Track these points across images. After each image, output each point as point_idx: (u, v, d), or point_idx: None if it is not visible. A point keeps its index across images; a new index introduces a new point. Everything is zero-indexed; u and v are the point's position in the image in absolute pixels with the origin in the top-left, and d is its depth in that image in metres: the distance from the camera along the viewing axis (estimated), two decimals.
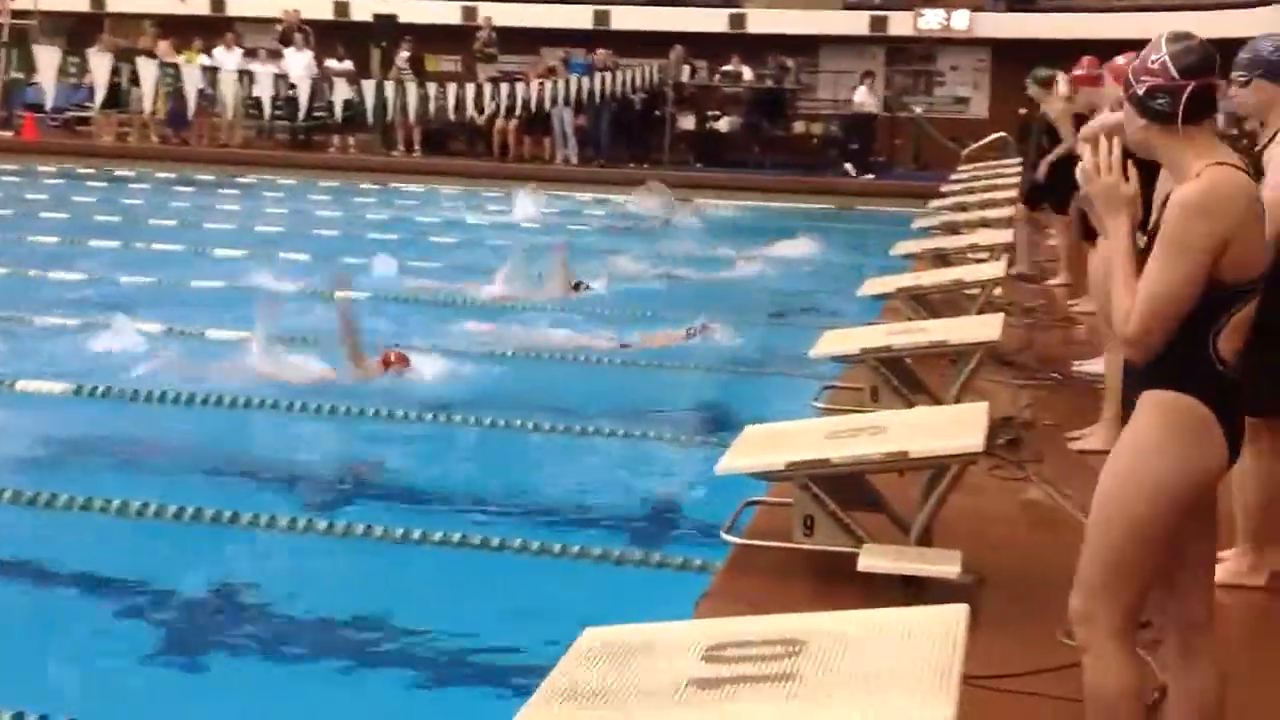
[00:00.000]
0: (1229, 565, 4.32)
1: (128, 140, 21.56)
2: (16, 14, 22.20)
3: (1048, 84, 9.98)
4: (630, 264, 12.19)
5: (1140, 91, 2.86)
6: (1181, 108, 2.81)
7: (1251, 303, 2.85)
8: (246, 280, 11.05)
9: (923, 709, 2.45)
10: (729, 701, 2.57)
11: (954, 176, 15.62)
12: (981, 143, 17.35)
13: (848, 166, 20.41)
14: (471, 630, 4.54)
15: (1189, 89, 2.80)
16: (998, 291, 8.49)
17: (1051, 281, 10.59)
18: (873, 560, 4.17)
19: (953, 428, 4.45)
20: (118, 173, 19.06)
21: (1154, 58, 2.85)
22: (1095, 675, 2.94)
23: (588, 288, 10.66)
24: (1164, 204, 2.89)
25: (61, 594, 4.87)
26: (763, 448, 4.60)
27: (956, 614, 2.86)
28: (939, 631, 2.78)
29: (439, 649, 4.49)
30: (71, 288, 10.56)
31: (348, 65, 21.29)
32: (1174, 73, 2.81)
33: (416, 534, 5.25)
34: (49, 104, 20.85)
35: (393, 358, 7.61)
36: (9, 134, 21.70)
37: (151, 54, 20.72)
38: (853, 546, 4.28)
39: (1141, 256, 2.87)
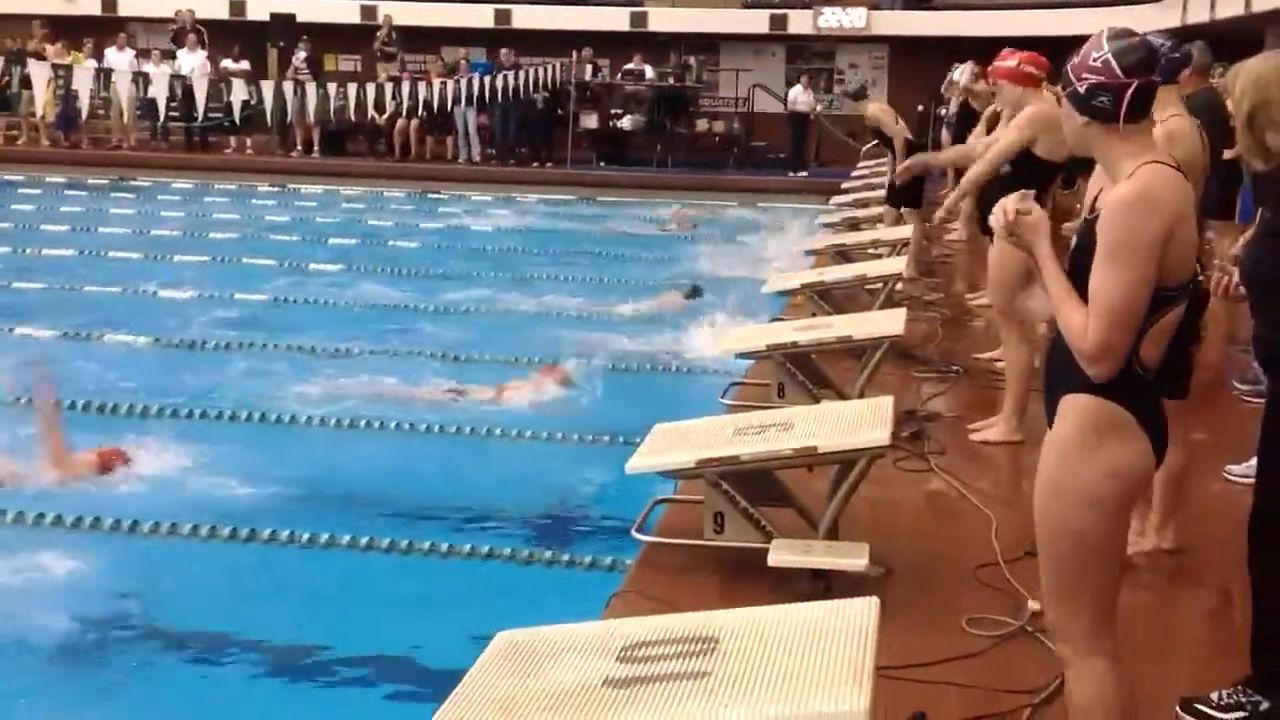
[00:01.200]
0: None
1: (17, 143, 20.99)
2: None
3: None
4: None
5: (1081, 89, 2.76)
6: (1124, 106, 2.73)
7: (1178, 308, 2.78)
8: (143, 285, 10.87)
9: (838, 704, 2.48)
10: (645, 702, 2.57)
11: (854, 173, 15.78)
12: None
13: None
14: (384, 634, 4.50)
15: (1132, 87, 2.73)
16: (899, 286, 8.60)
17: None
18: (782, 555, 4.20)
19: (860, 422, 4.50)
20: (6, 176, 18.55)
21: (1095, 55, 2.75)
22: (1075, 686, 2.88)
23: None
24: (1094, 203, 2.84)
25: None
26: (672, 445, 4.61)
27: (867, 607, 2.89)
28: (850, 626, 2.80)
29: (351, 654, 4.44)
30: None
31: (244, 65, 20.93)
32: (1117, 70, 2.72)
33: (324, 538, 5.19)
34: None
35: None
36: None
37: (41, 55, 20.23)
38: (763, 542, 4.31)
39: (1074, 257, 2.81)
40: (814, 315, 7.52)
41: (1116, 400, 2.77)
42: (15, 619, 4.47)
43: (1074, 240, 2.91)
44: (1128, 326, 2.70)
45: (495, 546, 5.11)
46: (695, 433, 4.74)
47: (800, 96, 21.17)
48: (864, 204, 12.64)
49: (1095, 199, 2.87)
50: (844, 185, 14.69)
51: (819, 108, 21.59)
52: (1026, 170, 5.70)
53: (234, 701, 4.22)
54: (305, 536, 5.18)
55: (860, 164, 16.68)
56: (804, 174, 20.29)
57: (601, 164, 20.96)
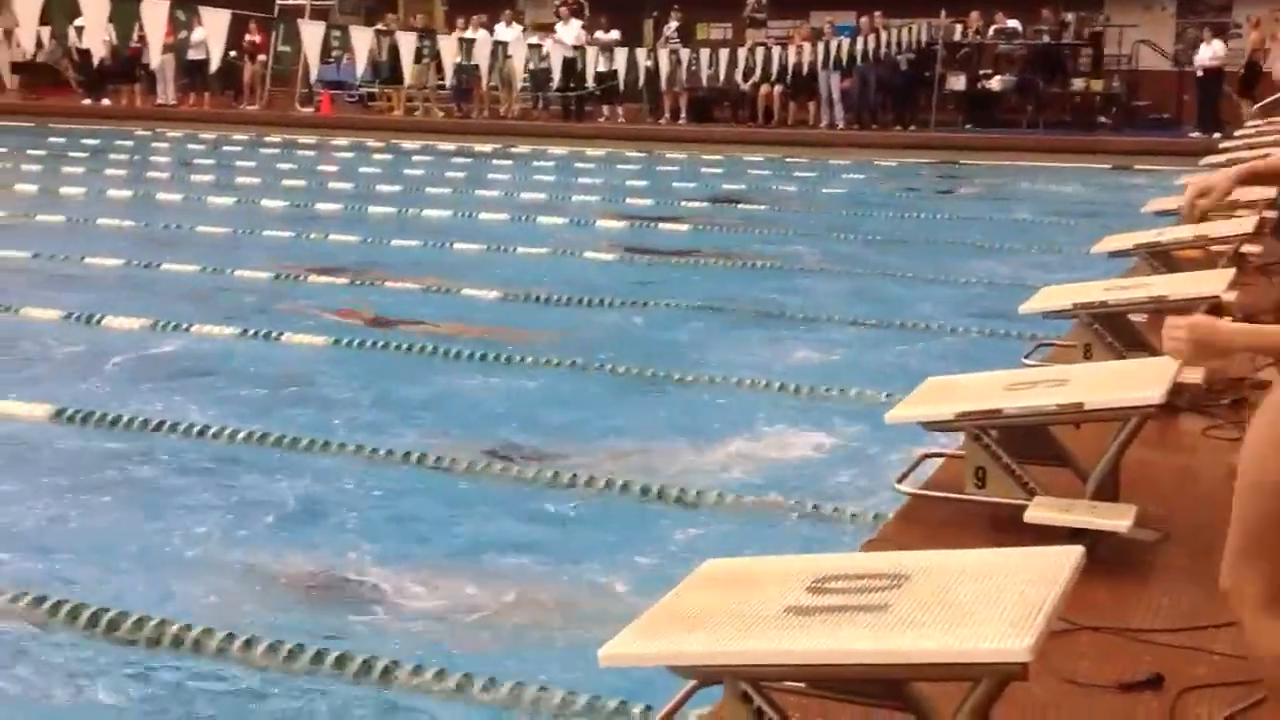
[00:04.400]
0: None
1: (414, 115, 22.76)
2: None
3: None
4: None
5: None
6: None
7: None
8: (506, 244, 11.64)
9: (999, 641, 2.46)
10: (814, 626, 2.64)
11: (1238, 133, 14.70)
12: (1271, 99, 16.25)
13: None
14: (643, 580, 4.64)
15: None
16: (1256, 249, 8.01)
17: None
18: (1039, 512, 4.09)
19: (1135, 381, 4.30)
20: (404, 146, 20.14)
21: None
22: (1252, 650, 2.78)
23: None
24: None
25: None
26: (938, 398, 4.56)
27: (1067, 555, 2.83)
28: (1044, 571, 2.76)
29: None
30: (347, 250, 11.33)
31: (614, 35, 21.72)
32: None
33: (566, 477, 5.49)
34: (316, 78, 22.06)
35: None
36: (309, 110, 23.27)
37: (440, 31, 21.79)
38: (1024, 499, 4.21)
39: None
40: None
41: None
42: None
43: None
44: None
45: (760, 496, 5.23)
46: (964, 386, 4.67)
47: (1219, 50, 19.57)
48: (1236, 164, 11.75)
49: None
50: (1222, 145, 13.70)
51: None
52: None
53: None
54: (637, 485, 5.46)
55: (1248, 123, 15.52)
56: (1217, 136, 18.90)
57: (968, 126, 20.45)
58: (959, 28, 21.34)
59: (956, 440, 4.60)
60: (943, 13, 20.83)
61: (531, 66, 20.29)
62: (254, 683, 3.88)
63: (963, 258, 11.34)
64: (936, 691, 2.73)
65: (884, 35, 20.43)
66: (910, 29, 20.76)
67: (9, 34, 21.30)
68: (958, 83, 21.01)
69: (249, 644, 4.02)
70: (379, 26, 18.69)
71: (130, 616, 4.18)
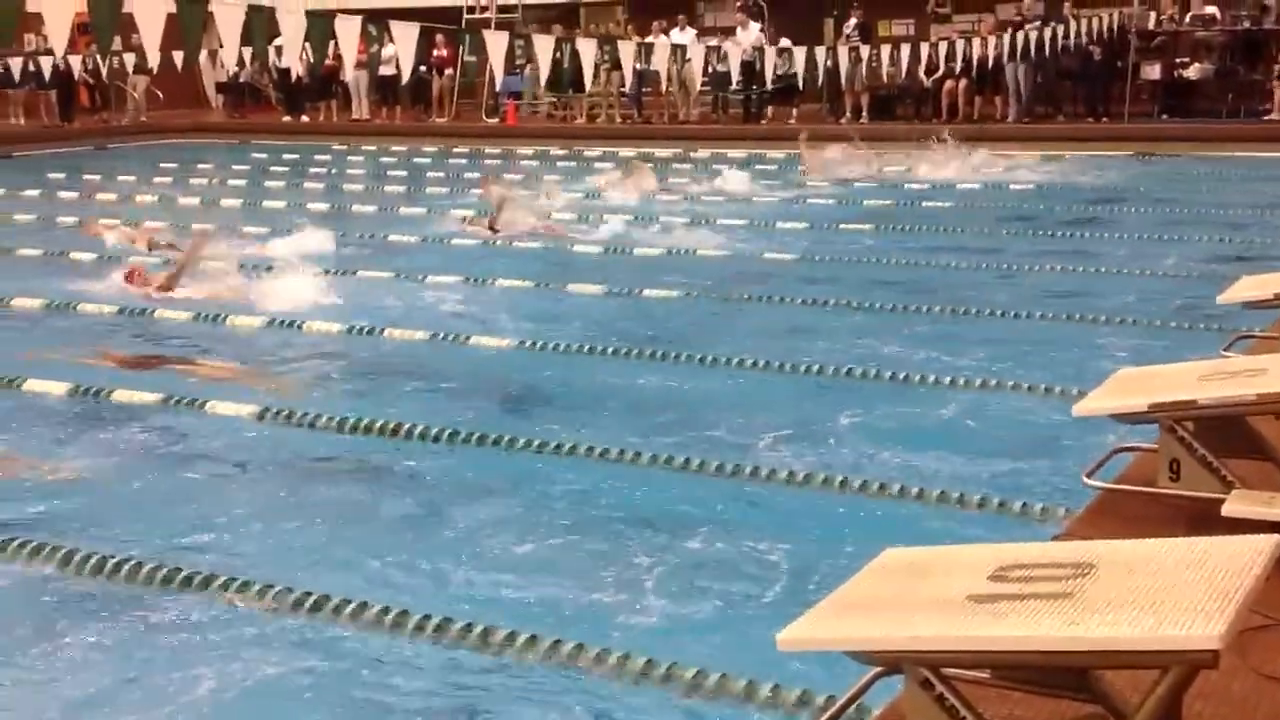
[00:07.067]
0: None
1: (596, 121, 23.07)
2: (502, 8, 24.33)
3: None
4: None
5: None
6: None
7: None
8: (683, 246, 11.75)
9: (1190, 628, 2.40)
10: (995, 613, 2.61)
11: None
12: None
13: None
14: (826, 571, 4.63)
15: None
16: None
17: None
18: (1238, 506, 3.94)
19: None
20: (587, 152, 20.43)
21: None
22: None
23: None
24: None
25: None
26: (1130, 390, 4.44)
27: (1263, 544, 2.74)
28: (1237, 559, 2.67)
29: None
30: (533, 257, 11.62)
31: (784, 42, 21.56)
32: None
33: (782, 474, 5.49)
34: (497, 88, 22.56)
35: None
36: (494, 120, 23.82)
37: (620, 39, 22.05)
38: (1221, 492, 4.07)
39: None
40: None
41: None
42: None
43: None
44: None
45: (946, 490, 5.16)
46: (1158, 377, 4.53)
47: None
48: None
49: None
50: None
51: None
52: None
53: None
54: (837, 480, 5.47)
55: None
56: None
57: (1163, 116, 19.72)
58: (1152, 15, 20.60)
59: (1149, 433, 4.47)
60: (1136, 1, 20.15)
61: (711, 70, 20.33)
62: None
63: (1157, 249, 10.99)
64: (1123, 681, 2.67)
65: (1074, 24, 19.85)
66: (1101, 17, 20.12)
67: (213, 55, 22.38)
68: (1152, 72, 20.25)
69: None
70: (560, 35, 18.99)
71: None
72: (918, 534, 4.63)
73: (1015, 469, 5.53)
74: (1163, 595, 2.55)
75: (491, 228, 12.51)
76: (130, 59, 22.45)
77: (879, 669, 2.76)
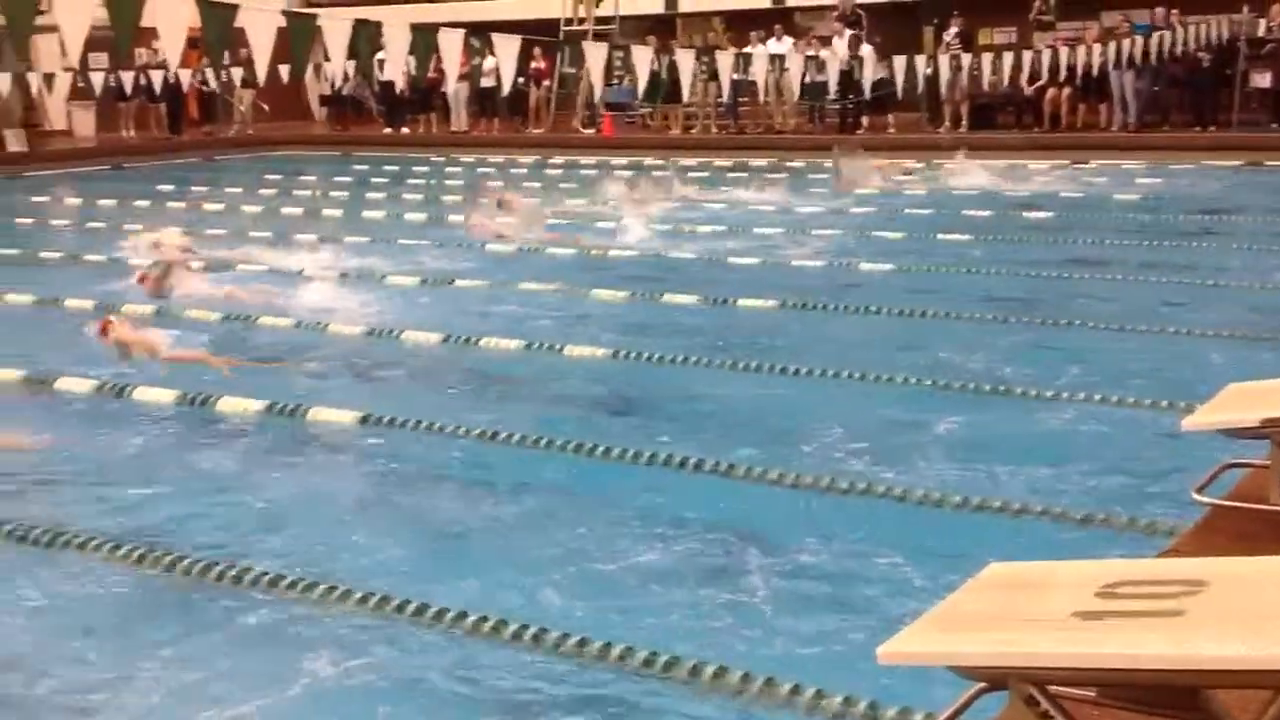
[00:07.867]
0: None
1: (692, 131, 23.09)
2: (600, 20, 24.47)
3: None
4: None
5: None
6: None
7: None
8: (778, 256, 11.69)
9: None
10: (1100, 629, 2.56)
11: None
12: None
13: None
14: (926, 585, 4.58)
15: None
16: None
17: None
18: None
19: None
20: (682, 162, 20.44)
21: None
22: None
23: None
24: None
25: None
26: (1240, 405, 4.33)
27: None
28: None
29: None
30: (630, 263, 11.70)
31: (867, 49, 21.34)
32: None
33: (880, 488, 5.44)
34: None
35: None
36: (591, 131, 23.96)
37: (717, 49, 22.05)
38: None
39: None
40: None
41: None
42: None
43: None
44: None
45: (1048, 505, 5.07)
46: (1271, 392, 4.41)
47: None
48: None
49: None
50: None
51: None
52: None
53: None
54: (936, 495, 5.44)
55: None
56: None
57: (1274, 126, 19.22)
58: (1262, 23, 20.10)
59: (1260, 449, 4.36)
60: (1245, 8, 19.68)
61: (808, 79, 20.23)
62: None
63: (1268, 261, 10.73)
64: (1232, 700, 2.60)
65: (1181, 32, 19.43)
66: (1209, 24, 19.67)
67: (318, 69, 22.82)
68: (1263, 80, 19.73)
69: None
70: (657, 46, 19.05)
71: None
72: (1021, 548, 4.56)
73: (1122, 484, 5.43)
74: (1276, 614, 2.48)
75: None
76: (238, 73, 22.99)
77: (982, 685, 2.72)
